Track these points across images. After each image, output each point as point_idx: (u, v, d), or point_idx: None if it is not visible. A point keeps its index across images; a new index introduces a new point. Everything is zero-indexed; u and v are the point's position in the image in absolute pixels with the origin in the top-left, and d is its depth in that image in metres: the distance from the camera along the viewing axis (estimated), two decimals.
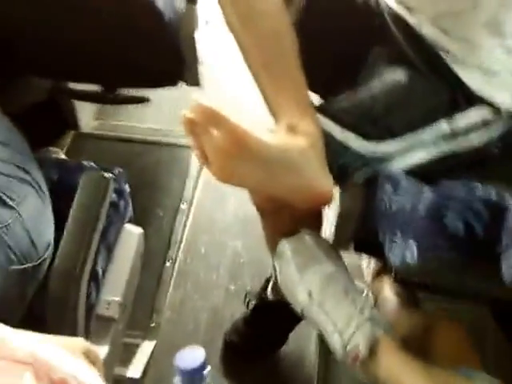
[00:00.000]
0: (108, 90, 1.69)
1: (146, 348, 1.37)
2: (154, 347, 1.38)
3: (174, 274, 1.50)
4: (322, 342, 0.82)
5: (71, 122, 1.76)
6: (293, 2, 0.91)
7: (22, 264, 0.90)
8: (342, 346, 0.77)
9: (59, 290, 0.85)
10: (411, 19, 0.93)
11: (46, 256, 0.95)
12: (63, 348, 0.64)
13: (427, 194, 0.69)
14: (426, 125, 0.86)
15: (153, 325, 1.41)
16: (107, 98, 1.72)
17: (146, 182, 1.64)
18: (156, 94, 1.83)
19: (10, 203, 0.93)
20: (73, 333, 0.88)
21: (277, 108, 0.80)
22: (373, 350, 0.75)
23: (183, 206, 1.61)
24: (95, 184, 0.94)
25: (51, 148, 1.65)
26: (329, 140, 0.82)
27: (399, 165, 0.85)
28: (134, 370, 1.31)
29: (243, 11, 0.81)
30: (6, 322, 0.91)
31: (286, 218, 0.86)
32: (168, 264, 1.51)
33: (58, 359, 0.51)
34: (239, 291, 1.47)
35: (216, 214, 1.62)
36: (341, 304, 0.79)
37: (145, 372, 1.32)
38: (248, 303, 1.34)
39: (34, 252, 0.92)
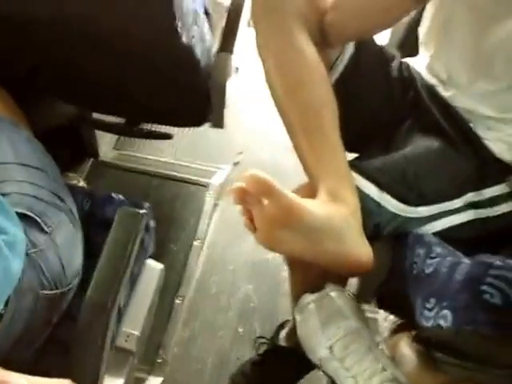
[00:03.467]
0: (131, 123, 1.72)
1: None
2: None
3: (184, 311, 1.50)
4: None
5: (91, 150, 1.78)
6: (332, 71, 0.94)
7: (52, 289, 0.91)
8: None
9: (89, 322, 0.85)
10: (444, 92, 0.97)
11: (74, 284, 0.96)
12: None
13: (464, 262, 0.71)
14: (455, 195, 0.89)
15: (160, 361, 1.41)
16: (130, 131, 1.75)
17: (161, 216, 1.63)
18: (176, 129, 1.87)
19: (46, 229, 0.94)
20: (96, 363, 0.88)
21: (316, 173, 0.82)
22: None
23: (196, 243, 1.62)
24: (130, 220, 0.95)
25: (71, 174, 1.67)
26: (365, 199, 0.84)
27: (432, 228, 0.87)
28: None
29: (290, 81, 0.83)
30: (32, 346, 0.92)
31: (315, 272, 0.87)
32: (178, 301, 1.51)
33: None
34: (247, 334, 1.47)
35: (229, 255, 1.63)
36: (363, 361, 0.78)
37: None
38: (258, 347, 1.33)
39: (64, 279, 0.93)
